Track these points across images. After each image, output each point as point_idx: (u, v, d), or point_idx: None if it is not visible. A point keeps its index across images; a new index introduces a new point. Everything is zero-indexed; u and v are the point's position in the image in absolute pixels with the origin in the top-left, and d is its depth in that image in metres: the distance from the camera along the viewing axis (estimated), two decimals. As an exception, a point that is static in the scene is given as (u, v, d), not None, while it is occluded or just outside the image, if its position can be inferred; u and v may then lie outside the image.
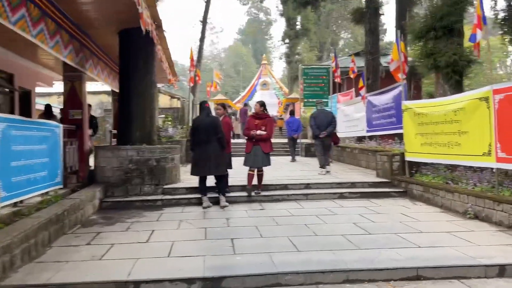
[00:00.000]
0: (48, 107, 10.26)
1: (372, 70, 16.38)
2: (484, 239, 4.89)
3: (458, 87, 11.81)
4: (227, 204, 7.15)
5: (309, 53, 41.07)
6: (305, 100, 16.24)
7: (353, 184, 8.55)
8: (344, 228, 5.53)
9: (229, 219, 6.20)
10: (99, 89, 21.13)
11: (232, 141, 9.14)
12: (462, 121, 6.51)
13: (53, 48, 6.55)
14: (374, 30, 16.54)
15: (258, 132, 7.58)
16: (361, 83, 12.18)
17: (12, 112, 9.80)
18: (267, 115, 7.89)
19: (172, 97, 33.10)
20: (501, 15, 16.64)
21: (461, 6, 11.81)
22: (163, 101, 27.26)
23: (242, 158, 7.90)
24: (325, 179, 9.01)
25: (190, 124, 20.70)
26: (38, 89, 13.08)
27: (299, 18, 39.00)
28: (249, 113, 20.08)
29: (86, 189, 7.14)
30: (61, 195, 6.32)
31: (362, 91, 12.07)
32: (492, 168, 6.78)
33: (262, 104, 7.85)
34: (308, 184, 8.47)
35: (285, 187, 8.36)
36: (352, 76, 15.15)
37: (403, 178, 8.27)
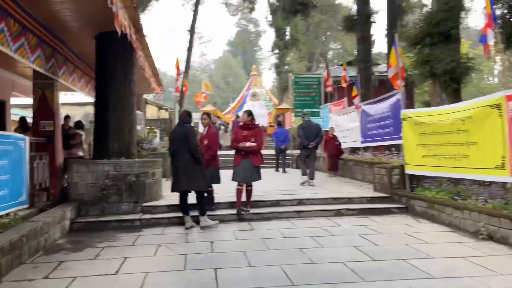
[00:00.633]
0: (22, 119, 9.50)
1: (365, 79, 15.93)
2: (505, 266, 4.25)
3: (456, 96, 11.33)
4: (209, 223, 6.43)
5: (298, 64, 40.70)
6: (296, 110, 15.66)
7: (350, 200, 7.91)
8: (344, 253, 4.86)
9: (214, 242, 5.49)
10: (84, 100, 20.39)
11: (220, 153, 8.68)
12: (471, 130, 5.93)
13: (17, 51, 5.86)
14: (366, 38, 16.13)
15: (247, 144, 6.93)
16: (354, 92, 11.64)
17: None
18: (255, 125, 7.23)
19: (160, 108, 32.37)
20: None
21: (457, 12, 11.41)
22: (150, 112, 26.55)
23: (231, 171, 7.22)
24: (320, 194, 8.36)
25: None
26: (14, 100, 12.30)
27: (288, 29, 38.73)
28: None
29: (54, 209, 6.39)
30: (24, 217, 5.55)
31: (356, 100, 11.51)
32: (504, 183, 6.22)
33: (249, 113, 7.20)
34: (301, 200, 7.80)
35: (276, 203, 7.68)
36: (344, 85, 14.62)
37: (404, 193, 7.66)
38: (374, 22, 16.67)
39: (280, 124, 15.07)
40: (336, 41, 52.07)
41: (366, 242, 5.34)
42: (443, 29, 11.03)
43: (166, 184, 8.77)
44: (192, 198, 6.56)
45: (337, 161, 11.77)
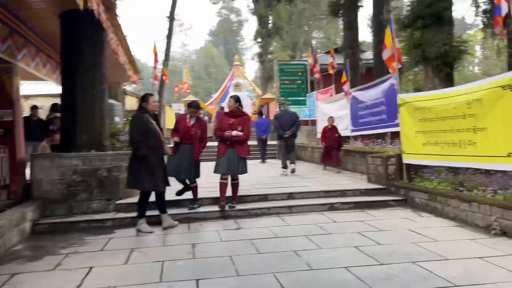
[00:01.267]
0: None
1: (352, 65, 15.31)
2: (532, 268, 3.70)
3: (448, 81, 10.83)
4: (173, 223, 5.77)
5: (282, 53, 39.97)
6: (281, 98, 15.01)
7: (343, 193, 7.32)
8: (345, 255, 4.25)
9: (196, 245, 4.81)
10: (54, 91, 19.36)
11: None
12: (479, 115, 5.37)
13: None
14: (352, 24, 15.53)
15: (234, 132, 6.20)
16: (344, 78, 11.02)
17: None
18: (243, 112, 6.50)
19: (142, 100, 31.32)
20: (483, 7, 16.00)
21: (451, -9, 10.89)
22: (130, 103, 25.53)
23: (213, 163, 6.52)
24: (311, 186, 7.74)
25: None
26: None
27: (271, 18, 37.90)
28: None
29: (13, 210, 5.60)
30: (-27, 220, 4.78)
31: (346, 86, 10.91)
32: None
33: (237, 99, 6.46)
34: (292, 193, 7.18)
35: (264, 197, 7.04)
36: (332, 71, 14.00)
37: (402, 184, 7.10)
38: (362, 6, 16.06)
39: (261, 114, 14.80)
40: (320, 30, 51.44)
41: (368, 241, 4.74)
42: (435, 10, 10.48)
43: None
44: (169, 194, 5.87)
45: (337, 153, 10.17)
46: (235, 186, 6.54)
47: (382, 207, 6.77)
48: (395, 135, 9.92)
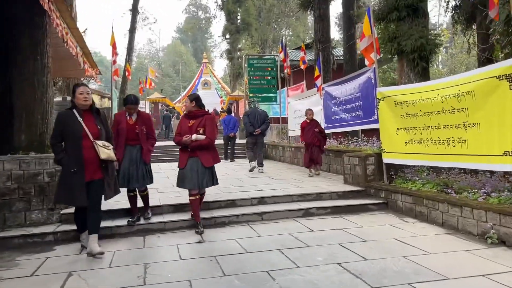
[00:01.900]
0: None
1: (323, 60, 14.78)
2: (547, 288, 3.13)
3: (425, 75, 10.40)
4: (96, 251, 4.28)
5: (250, 50, 39.36)
6: (251, 95, 14.29)
7: (318, 196, 6.67)
8: (329, 276, 3.55)
9: (150, 266, 4.01)
10: None
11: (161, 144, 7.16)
12: (470, 109, 4.81)
13: None
14: (324, 17, 14.98)
15: (194, 136, 5.11)
16: (317, 72, 10.42)
17: None
18: (204, 111, 5.43)
19: (103, 96, 29.86)
20: (452, 3, 15.84)
21: (426, -18, 10.48)
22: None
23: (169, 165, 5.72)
24: (283, 189, 7.05)
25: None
26: None
27: (240, 14, 37.16)
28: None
29: None
30: None
31: (318, 81, 10.30)
32: (504, 173, 5.20)
33: (193, 98, 5.35)
34: (263, 197, 6.46)
35: (232, 203, 6.29)
36: (303, 67, 13.42)
37: (382, 186, 6.52)
38: (332, -1, 15.52)
39: (229, 111, 14.49)
40: (288, 28, 51.12)
41: (352, 256, 4.08)
42: (411, 1, 10.03)
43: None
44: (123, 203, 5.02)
45: (319, 153, 8.91)
46: (201, 201, 5.61)
47: (361, 211, 6.17)
48: (372, 133, 9.41)
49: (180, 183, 5.23)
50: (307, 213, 6.02)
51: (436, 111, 5.31)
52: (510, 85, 4.29)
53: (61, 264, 4.16)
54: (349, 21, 18.87)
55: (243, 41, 41.27)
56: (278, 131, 15.36)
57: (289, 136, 12.75)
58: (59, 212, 5.63)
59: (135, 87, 50.45)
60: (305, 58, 13.47)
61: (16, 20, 6.01)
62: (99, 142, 4.26)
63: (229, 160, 13.24)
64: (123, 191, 5.16)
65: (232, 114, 15.29)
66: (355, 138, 9.74)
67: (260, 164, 9.86)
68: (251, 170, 9.85)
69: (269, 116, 19.63)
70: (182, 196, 6.29)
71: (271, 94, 14.45)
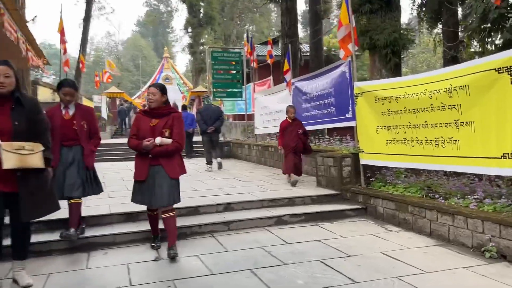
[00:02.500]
0: None
1: (290, 55, 14.20)
2: None
3: (397, 72, 10.01)
4: (26, 285, 3.35)
5: (213, 45, 38.39)
6: (214, 90, 13.51)
7: (291, 201, 6.04)
8: (312, 306, 2.91)
9: (90, 296, 3.22)
10: None
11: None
12: (464, 105, 4.31)
13: None
14: (291, 9, 14.38)
15: (158, 140, 3.98)
16: (286, 66, 9.79)
17: None
18: (170, 108, 4.28)
19: (55, 90, 28.10)
20: (418, 0, 15.72)
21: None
22: (43, 95, 22.59)
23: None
24: (253, 193, 6.36)
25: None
26: None
27: (203, 7, 36.10)
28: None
29: None
30: None
31: (287, 76, 9.68)
32: (495, 176, 4.76)
33: (162, 88, 4.20)
34: (230, 204, 5.75)
35: (195, 211, 5.54)
36: (270, 61, 12.78)
37: (359, 189, 5.97)
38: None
39: (185, 107, 14.12)
40: (252, 23, 50.48)
41: (338, 277, 3.45)
42: (383, -7, 9.62)
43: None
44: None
45: (299, 160, 7.46)
46: (169, 223, 4.21)
47: (338, 218, 5.59)
48: (345, 131, 8.91)
49: (134, 196, 4.17)
50: (279, 221, 5.37)
51: (424, 108, 4.79)
52: (511, 79, 3.80)
53: (-25, 296, 3.29)
54: (315, 16, 18.43)
55: (206, 35, 40.26)
56: (243, 128, 14.67)
57: (256, 134, 12.07)
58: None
59: (91, 81, 48.17)
60: (272, 52, 12.85)
61: None
62: (6, 144, 3.10)
63: (189, 158, 12.72)
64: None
65: (193, 110, 14.64)
66: (326, 136, 9.19)
67: (219, 157, 9.83)
68: (208, 170, 9.63)
69: (235, 113, 19.05)
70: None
71: (236, 90, 13.71)
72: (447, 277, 3.40)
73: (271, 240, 4.63)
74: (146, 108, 4.32)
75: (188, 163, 11.62)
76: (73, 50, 42.44)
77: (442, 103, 4.54)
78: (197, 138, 12.90)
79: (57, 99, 17.34)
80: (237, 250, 4.31)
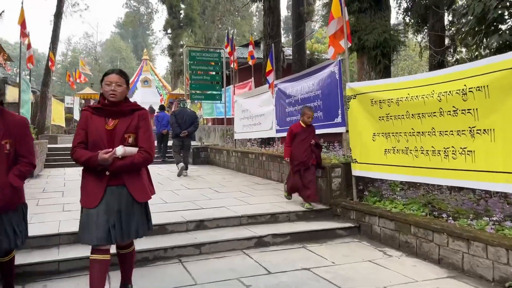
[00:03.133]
0: None
1: (273, 56, 13.50)
2: None
3: (386, 75, 9.39)
4: None
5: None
6: (192, 92, 12.66)
7: (274, 217, 5.27)
8: None
9: None
10: None
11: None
12: (481, 110, 3.63)
13: None
14: (274, 9, 13.69)
15: (120, 150, 2.79)
16: (269, 66, 9.06)
17: None
18: (134, 105, 3.07)
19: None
20: (404, 5, 15.33)
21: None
22: (12, 94, 21.32)
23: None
24: (230, 207, 5.55)
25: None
26: None
27: (182, 7, 35.22)
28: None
29: None
30: None
31: (270, 77, 8.93)
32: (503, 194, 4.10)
33: (125, 75, 3.00)
34: (202, 221, 4.92)
35: (161, 229, 4.70)
36: (251, 62, 12.03)
37: (352, 205, 5.23)
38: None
39: (162, 108, 13.62)
40: (233, 27, 49.78)
41: (335, 327, 2.69)
42: (373, -9, 9.01)
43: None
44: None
45: (313, 176, 5.58)
46: (128, 260, 3.19)
47: (328, 238, 4.84)
48: (333, 138, 8.20)
49: (83, 232, 2.82)
50: (260, 242, 4.58)
51: (431, 112, 4.10)
52: (543, 78, 3.13)
53: None
54: (298, 19, 17.82)
55: (186, 38, 39.38)
56: (222, 133, 13.85)
57: (235, 139, 11.28)
58: None
59: (66, 82, 46.55)
60: (254, 53, 12.11)
61: None
62: None
63: (161, 159, 12.27)
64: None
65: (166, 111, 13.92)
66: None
67: (185, 167, 9.28)
68: (179, 175, 9.11)
69: (214, 116, 18.21)
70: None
71: (215, 92, 12.91)
72: (474, 327, 2.68)
73: (251, 269, 3.83)
74: (95, 104, 3.05)
75: (159, 169, 10.81)
76: (46, 48, 40.77)
77: (454, 107, 3.85)
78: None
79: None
80: (208, 283, 3.49)
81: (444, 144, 4.00)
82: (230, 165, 10.70)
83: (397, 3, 15.35)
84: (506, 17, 7.79)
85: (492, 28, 8.02)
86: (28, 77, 12.51)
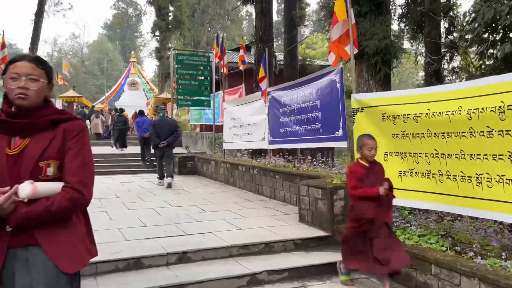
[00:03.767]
0: None
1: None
2: None
3: (386, 84, 8.83)
4: None
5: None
6: (179, 97, 11.95)
7: (268, 246, 4.58)
8: None
9: None
10: None
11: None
12: (525, 131, 3.01)
13: None
14: (266, 12, 13.10)
15: (27, 190, 1.67)
16: (261, 73, 8.38)
17: None
18: (59, 112, 1.91)
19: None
20: (399, 11, 14.93)
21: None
22: None
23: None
24: (219, 234, 4.84)
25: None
26: None
27: (172, 10, 34.50)
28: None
29: None
30: None
31: (263, 84, 8.27)
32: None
33: (45, 65, 1.88)
34: (186, 252, 4.20)
35: (136, 263, 3.97)
36: (242, 67, 11.39)
37: (358, 233, 4.57)
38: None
39: (142, 113, 13.29)
40: (223, 30, 49.17)
41: None
42: (374, -6, 8.44)
43: None
44: None
45: (397, 242, 3.75)
46: None
47: (332, 274, 4.16)
48: (330, 150, 7.56)
49: None
50: (254, 280, 3.89)
51: (458, 132, 3.47)
52: None
53: None
54: (290, 23, 17.24)
55: (175, 41, 38.65)
56: (210, 141, 13.14)
57: (224, 149, 10.58)
58: None
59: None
60: (245, 57, 11.46)
61: None
62: None
63: (145, 163, 12.26)
64: None
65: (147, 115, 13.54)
66: (310, 158, 7.79)
67: (169, 176, 8.92)
68: (160, 185, 9.12)
69: (202, 123, 17.46)
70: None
71: (204, 98, 12.23)
72: None
73: (243, 321, 3.14)
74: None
75: (142, 179, 10.07)
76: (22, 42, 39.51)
77: (488, 127, 3.23)
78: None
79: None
80: None
81: (476, 170, 3.37)
82: (219, 177, 10.00)
83: (392, 9, 14.90)
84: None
85: (500, 35, 7.53)
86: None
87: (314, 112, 6.56)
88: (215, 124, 12.03)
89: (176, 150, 12.88)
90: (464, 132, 3.42)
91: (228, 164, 9.53)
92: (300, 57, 19.54)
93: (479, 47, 8.25)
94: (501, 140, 3.16)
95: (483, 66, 8.64)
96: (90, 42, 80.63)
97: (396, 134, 4.11)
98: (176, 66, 11.87)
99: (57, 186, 1.78)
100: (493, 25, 7.22)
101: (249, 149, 10.08)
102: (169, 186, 8.80)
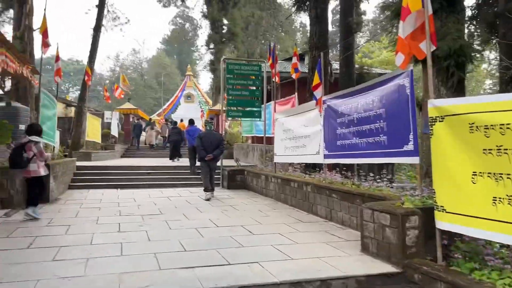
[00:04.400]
0: None
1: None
2: None
3: (460, 91, 7.79)
4: None
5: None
6: (229, 108, 11.48)
7: (324, 284, 3.80)
8: None
9: None
10: None
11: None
12: None
13: None
14: (321, 17, 12.38)
15: None
16: (316, 79, 7.64)
17: None
18: None
19: (69, 105, 26.84)
20: (469, 13, 13.64)
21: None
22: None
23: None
24: (267, 265, 4.14)
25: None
26: None
27: (226, 23, 34.71)
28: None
29: None
30: None
31: (318, 92, 7.51)
32: None
33: None
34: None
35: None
36: (294, 75, 10.71)
37: (438, 271, 3.66)
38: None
39: (192, 122, 13.89)
40: (277, 42, 48.93)
41: None
42: (445, -14, 7.48)
43: None
44: None
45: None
46: None
47: (406, 324, 3.33)
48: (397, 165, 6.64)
49: None
50: (307, 330, 3.15)
51: None
52: None
53: None
54: (346, 30, 16.38)
55: (229, 54, 38.88)
56: (261, 153, 12.53)
57: (275, 162, 9.89)
58: None
59: (112, 97, 47.32)
60: (298, 65, 10.78)
61: None
62: None
63: (194, 172, 12.37)
64: None
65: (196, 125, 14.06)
66: (372, 174, 6.89)
67: (211, 189, 9.19)
68: (207, 199, 8.92)
69: (253, 134, 16.97)
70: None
71: (255, 109, 11.67)
72: None
73: None
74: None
75: (191, 193, 9.63)
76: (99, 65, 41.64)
77: None
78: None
79: (70, 114, 16.14)
80: None
81: None
82: (269, 193, 9.32)
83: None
84: None
85: None
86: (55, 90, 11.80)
87: (378, 123, 5.71)
88: (266, 136, 11.41)
89: (226, 162, 12.43)
90: None
91: (279, 179, 8.83)
92: (356, 65, 18.56)
93: None
94: None
95: None
96: (149, 57, 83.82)
97: (490, 150, 3.22)
98: (227, 76, 11.43)
99: None
100: None
101: (302, 163, 9.33)
102: (208, 199, 8.90)
